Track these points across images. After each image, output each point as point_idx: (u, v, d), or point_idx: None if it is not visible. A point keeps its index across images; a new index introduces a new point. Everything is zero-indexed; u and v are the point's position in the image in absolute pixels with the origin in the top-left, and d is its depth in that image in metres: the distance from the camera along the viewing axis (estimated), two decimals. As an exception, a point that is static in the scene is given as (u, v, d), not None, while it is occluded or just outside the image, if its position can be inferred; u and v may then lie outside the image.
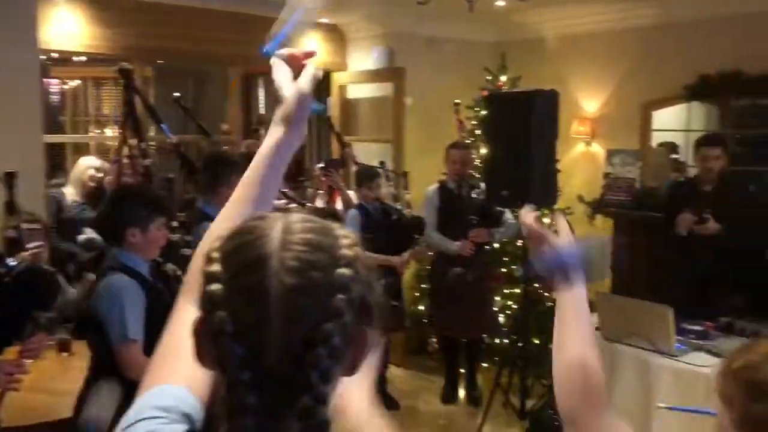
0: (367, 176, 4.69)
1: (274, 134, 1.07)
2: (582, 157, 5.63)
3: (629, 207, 5.05)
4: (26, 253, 3.32)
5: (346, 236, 0.80)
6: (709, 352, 3.32)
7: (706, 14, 4.80)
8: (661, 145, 5.75)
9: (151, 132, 5.23)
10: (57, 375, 2.95)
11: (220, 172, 3.13)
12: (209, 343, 0.75)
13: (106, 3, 4.89)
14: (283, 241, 0.76)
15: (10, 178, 2.76)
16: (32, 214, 3.66)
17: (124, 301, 2.37)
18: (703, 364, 3.14)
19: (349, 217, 4.44)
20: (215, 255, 0.77)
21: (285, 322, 0.73)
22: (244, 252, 0.76)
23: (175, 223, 2.76)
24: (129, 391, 2.37)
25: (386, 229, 4.58)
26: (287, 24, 1.10)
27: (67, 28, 4.78)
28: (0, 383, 2.19)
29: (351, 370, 0.80)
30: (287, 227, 0.78)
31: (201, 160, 3.61)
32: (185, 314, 0.92)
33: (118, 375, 2.38)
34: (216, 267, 0.76)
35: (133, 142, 3.21)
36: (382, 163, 5.04)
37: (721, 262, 3.73)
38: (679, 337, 3.41)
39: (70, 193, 4.50)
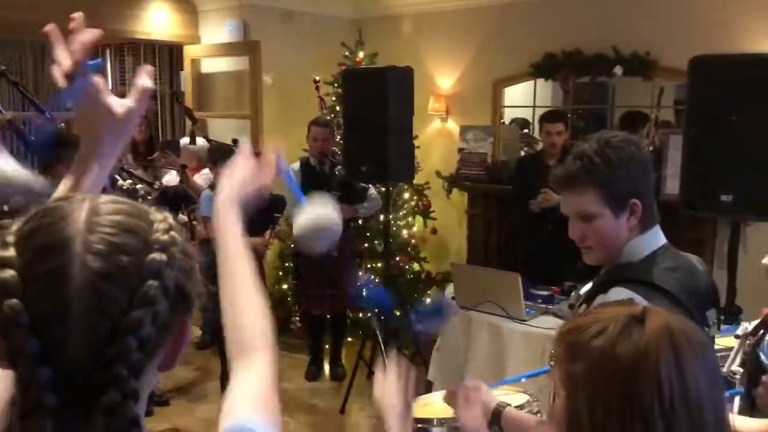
0: (221, 155, 4.51)
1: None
2: (438, 134, 5.77)
3: (482, 181, 5.26)
4: None
5: (163, 220, 0.75)
6: (554, 315, 3.54)
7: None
8: (514, 121, 6.02)
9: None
10: None
11: (60, 152, 2.89)
12: (1, 337, 0.67)
13: None
14: (89, 223, 0.70)
15: None
16: None
17: None
18: (550, 326, 3.34)
19: (202, 198, 4.28)
20: (9, 239, 0.70)
21: (89, 311, 0.67)
22: (42, 235, 0.69)
23: (6, 208, 2.51)
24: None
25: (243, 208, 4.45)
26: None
27: None
28: None
29: (167, 363, 0.76)
30: (94, 209, 0.72)
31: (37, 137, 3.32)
32: None
33: None
34: (9, 252, 0.68)
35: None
36: (235, 140, 4.86)
37: (565, 231, 3.97)
38: (528, 303, 3.61)
39: None
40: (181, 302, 0.74)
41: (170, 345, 0.75)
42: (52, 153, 2.83)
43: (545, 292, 3.77)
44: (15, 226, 0.72)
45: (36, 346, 0.66)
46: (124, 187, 3.51)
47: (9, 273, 0.67)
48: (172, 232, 0.75)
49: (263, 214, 4.56)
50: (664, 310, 1.01)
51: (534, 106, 5.48)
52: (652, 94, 4.96)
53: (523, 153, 5.61)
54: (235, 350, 0.96)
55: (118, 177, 3.52)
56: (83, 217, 0.70)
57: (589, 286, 1.82)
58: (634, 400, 0.91)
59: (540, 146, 5.11)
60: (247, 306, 1.02)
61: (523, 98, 5.69)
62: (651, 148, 4.65)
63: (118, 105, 1.00)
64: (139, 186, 3.57)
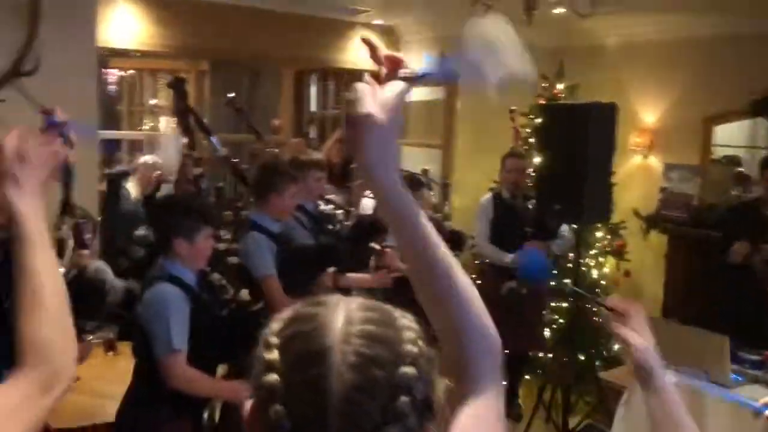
0: (411, 185, 4.60)
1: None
2: (638, 170, 5.46)
3: (685, 224, 4.88)
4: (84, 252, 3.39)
5: (410, 327, 0.76)
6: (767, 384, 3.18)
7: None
8: (723, 159, 5.55)
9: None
10: (102, 376, 2.99)
11: (270, 181, 3.13)
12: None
13: (164, 2, 4.94)
14: (345, 333, 0.72)
15: (67, 175, 2.68)
16: (83, 210, 3.75)
17: (170, 311, 2.37)
18: (760, 397, 3.00)
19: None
20: (273, 341, 0.74)
21: (344, 422, 0.68)
22: (303, 342, 0.72)
23: (223, 233, 2.76)
24: (174, 399, 2.39)
25: None
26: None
27: (125, 26, 4.86)
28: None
29: None
30: (349, 317, 0.74)
31: (251, 164, 3.60)
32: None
33: (161, 383, 2.39)
34: (274, 355, 0.73)
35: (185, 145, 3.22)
36: (425, 170, 4.92)
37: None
38: (735, 366, 3.27)
39: (132, 187, 4.58)
40: (426, 412, 0.74)
41: None
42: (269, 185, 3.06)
43: (756, 357, 3.39)
44: (276, 325, 0.76)
45: None
46: (325, 212, 3.69)
47: (274, 377, 0.71)
48: (420, 342, 0.75)
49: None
50: None
51: (753, 147, 5.01)
52: None
53: (735, 194, 5.13)
54: None
55: (320, 202, 3.71)
56: (339, 326, 0.72)
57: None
58: None
59: (755, 190, 4.65)
60: None
61: (737, 137, 5.22)
62: None
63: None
64: (338, 212, 3.73)
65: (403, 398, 0.70)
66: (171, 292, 2.42)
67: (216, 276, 2.69)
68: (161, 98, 7.98)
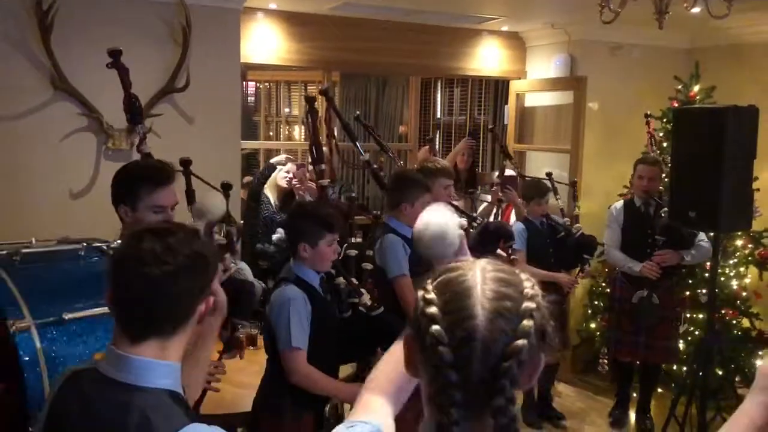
0: (536, 191, 4.59)
1: None
2: (786, 176, 5.11)
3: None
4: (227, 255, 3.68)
5: (527, 279, 1.00)
6: None
7: None
8: None
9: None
10: (244, 368, 3.22)
11: (403, 190, 3.29)
12: (423, 353, 0.96)
13: (300, 18, 5.23)
14: (482, 278, 0.97)
15: (226, 188, 3.05)
16: (230, 217, 4.05)
17: (292, 311, 2.54)
18: None
19: (515, 232, 4.37)
20: (429, 287, 1.00)
21: (486, 339, 0.92)
22: (454, 283, 0.98)
23: (357, 239, 2.90)
24: (297, 393, 2.56)
25: (553, 245, 4.49)
26: None
27: (264, 42, 5.18)
28: (202, 382, 2.45)
29: (527, 382, 0.97)
30: (483, 268, 1.00)
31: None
32: None
33: (285, 377, 2.58)
34: (432, 295, 0.98)
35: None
36: (549, 174, 4.85)
37: None
38: None
39: (270, 194, 4.88)
40: (542, 339, 0.96)
41: (530, 368, 0.96)
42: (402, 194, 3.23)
43: None
44: (430, 280, 1.01)
45: (451, 358, 0.92)
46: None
47: (433, 309, 0.96)
48: (536, 287, 0.99)
49: (572, 253, 4.53)
50: None
51: None
52: None
53: None
54: None
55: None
56: (478, 274, 0.98)
57: None
58: None
59: None
60: None
61: None
62: None
63: None
64: (463, 219, 3.79)
65: (527, 322, 0.93)
66: (293, 292, 2.58)
67: (341, 280, 2.84)
68: (295, 108, 8.40)
